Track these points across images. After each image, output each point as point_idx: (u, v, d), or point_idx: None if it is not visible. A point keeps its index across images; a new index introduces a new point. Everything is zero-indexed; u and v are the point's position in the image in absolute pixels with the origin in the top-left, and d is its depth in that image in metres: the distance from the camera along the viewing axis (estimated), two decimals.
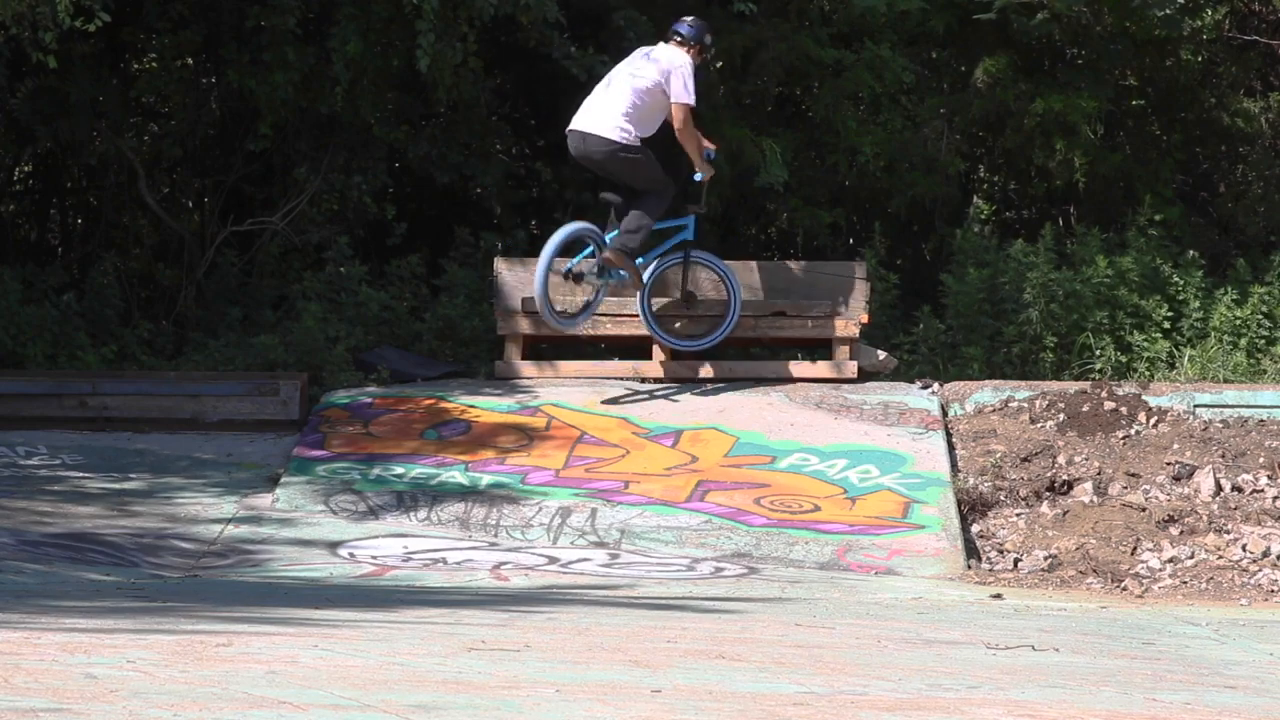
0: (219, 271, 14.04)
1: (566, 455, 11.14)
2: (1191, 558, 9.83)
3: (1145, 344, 12.96)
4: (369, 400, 11.96)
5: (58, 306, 13.15)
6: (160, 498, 10.61)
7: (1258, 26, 15.67)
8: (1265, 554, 9.80)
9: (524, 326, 12.45)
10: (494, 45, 14.33)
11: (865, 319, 12.49)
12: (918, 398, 11.93)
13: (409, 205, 14.90)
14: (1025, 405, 11.84)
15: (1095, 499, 10.61)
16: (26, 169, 15.71)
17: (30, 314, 12.98)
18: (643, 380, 12.24)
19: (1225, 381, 12.50)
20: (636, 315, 12.27)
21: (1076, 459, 11.15)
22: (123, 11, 13.46)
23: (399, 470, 10.98)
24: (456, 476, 10.89)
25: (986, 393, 12.05)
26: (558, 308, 11.67)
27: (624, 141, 11.38)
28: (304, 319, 12.92)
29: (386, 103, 14.12)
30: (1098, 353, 12.91)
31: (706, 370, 12.34)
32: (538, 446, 11.25)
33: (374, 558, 9.63)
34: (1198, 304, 13.17)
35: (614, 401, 11.80)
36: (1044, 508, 10.57)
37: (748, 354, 13.21)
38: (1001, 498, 10.72)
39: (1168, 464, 10.99)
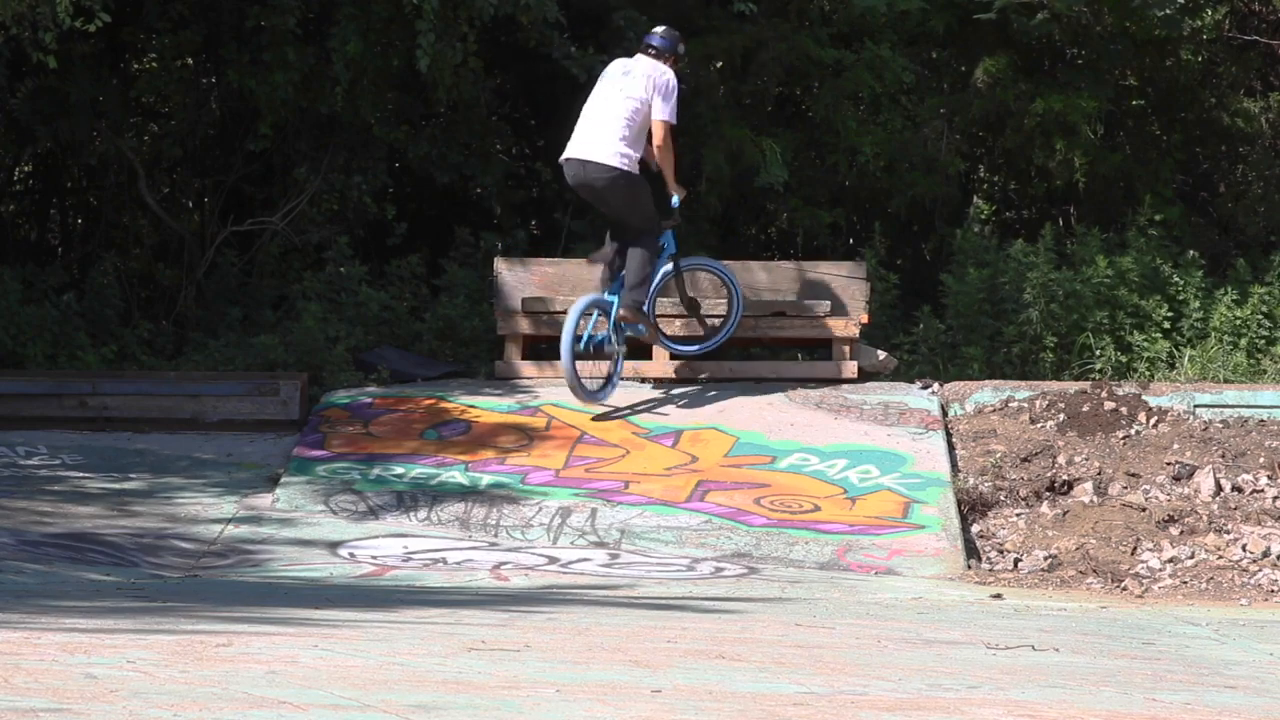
0: (219, 271, 14.04)
1: (566, 455, 11.14)
2: (1191, 558, 9.83)
3: (1145, 344, 12.96)
4: (369, 400, 11.96)
5: (58, 306, 13.15)
6: (160, 498, 10.61)
7: (1258, 26, 15.68)
8: (1265, 554, 9.80)
9: (524, 326, 12.45)
10: (494, 45, 14.33)
11: (865, 319, 12.49)
12: (918, 398, 11.93)
13: (409, 205, 14.90)
14: (1025, 405, 11.84)
15: (1095, 499, 10.61)
16: (26, 169, 15.71)
17: (30, 314, 12.98)
18: (643, 380, 12.24)
19: (1225, 381, 12.50)
20: None
21: (1076, 459, 11.15)
22: (123, 11, 13.46)
23: (399, 470, 10.98)
24: (456, 476, 10.88)
25: (986, 393, 12.05)
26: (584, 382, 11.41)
27: (625, 168, 11.20)
28: (304, 319, 12.92)
29: (386, 103, 14.13)
30: (1098, 353, 12.91)
31: (706, 370, 12.34)
32: (538, 446, 11.26)
33: (374, 558, 9.63)
34: (1198, 304, 13.18)
35: (614, 401, 11.79)
36: (1044, 508, 10.57)
37: (748, 354, 13.21)
38: (1001, 498, 10.72)
39: (1168, 464, 10.99)
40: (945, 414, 11.82)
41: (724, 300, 12.24)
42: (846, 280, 12.63)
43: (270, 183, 14.50)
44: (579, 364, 11.24)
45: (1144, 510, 10.35)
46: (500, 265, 12.71)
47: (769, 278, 12.79)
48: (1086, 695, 5.40)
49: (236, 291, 13.98)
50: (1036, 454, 11.24)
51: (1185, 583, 9.53)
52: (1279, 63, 15.68)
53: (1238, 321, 13.08)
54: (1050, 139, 14.45)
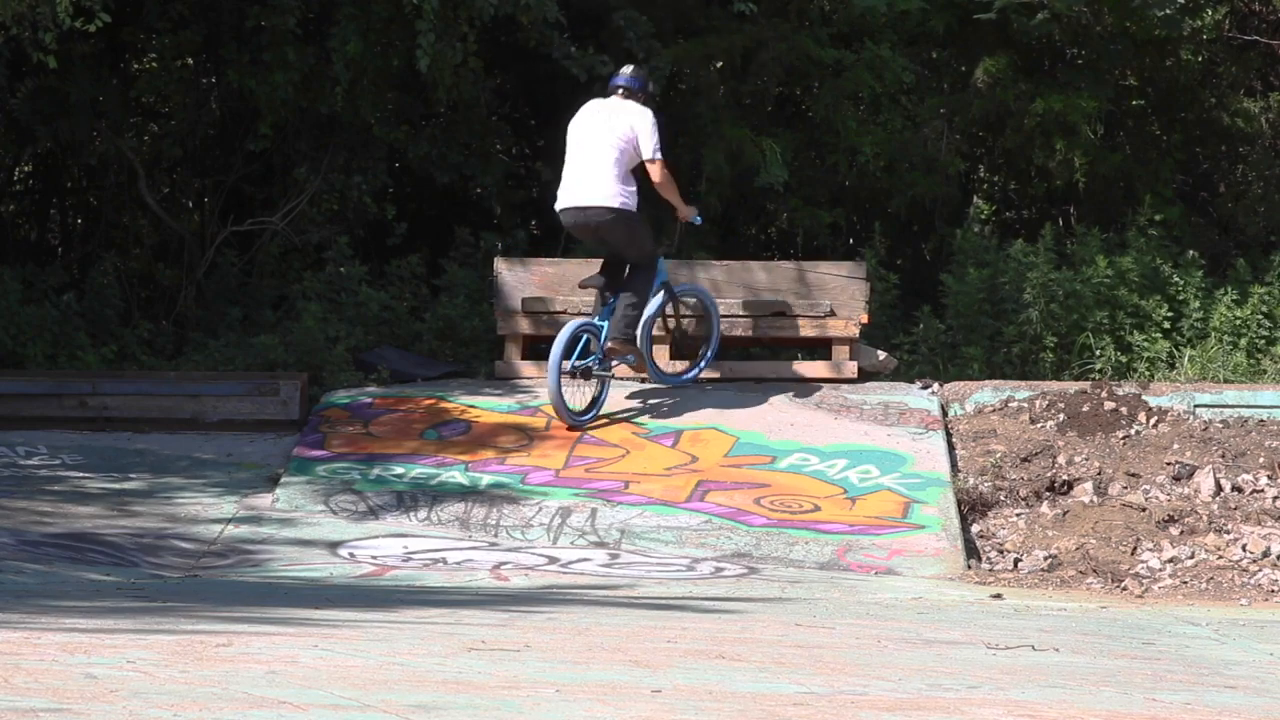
0: (219, 271, 14.05)
1: (566, 455, 11.15)
2: (1191, 558, 9.83)
3: (1145, 344, 12.96)
4: (369, 400, 11.96)
5: (58, 306, 13.16)
6: (160, 498, 10.61)
7: (1258, 26, 15.68)
8: (1265, 554, 9.80)
9: (524, 326, 12.46)
10: (494, 45, 14.33)
11: (865, 319, 12.49)
12: (918, 398, 11.93)
13: (409, 205, 14.91)
14: (1025, 405, 11.84)
15: (1095, 499, 10.61)
16: (26, 169, 15.71)
17: (30, 314, 12.98)
18: (643, 380, 12.23)
19: (1225, 381, 12.50)
20: None
21: (1076, 459, 11.15)
22: (123, 11, 13.46)
23: (399, 470, 10.98)
24: (456, 476, 10.88)
25: (986, 393, 12.05)
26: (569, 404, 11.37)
27: (623, 207, 11.21)
28: (304, 319, 12.92)
29: (386, 103, 14.13)
30: (1098, 353, 12.91)
31: (707, 370, 12.34)
32: (538, 446, 11.25)
33: (374, 558, 9.63)
34: (1198, 304, 13.18)
35: (613, 401, 11.79)
36: (1044, 508, 10.57)
37: (748, 354, 13.21)
38: (1001, 498, 10.72)
39: (1168, 464, 10.99)
40: (945, 414, 11.82)
41: (705, 324, 12.16)
42: (846, 280, 12.63)
43: (270, 183, 14.51)
44: (565, 387, 11.23)
45: (1144, 510, 10.35)
46: (500, 265, 12.71)
47: (769, 278, 12.79)
48: (1086, 695, 5.40)
49: (236, 291, 13.98)
50: (1036, 454, 11.24)
51: (1185, 583, 9.53)
52: (1279, 63, 15.68)
53: (1238, 321, 13.08)
54: (1050, 139, 14.45)
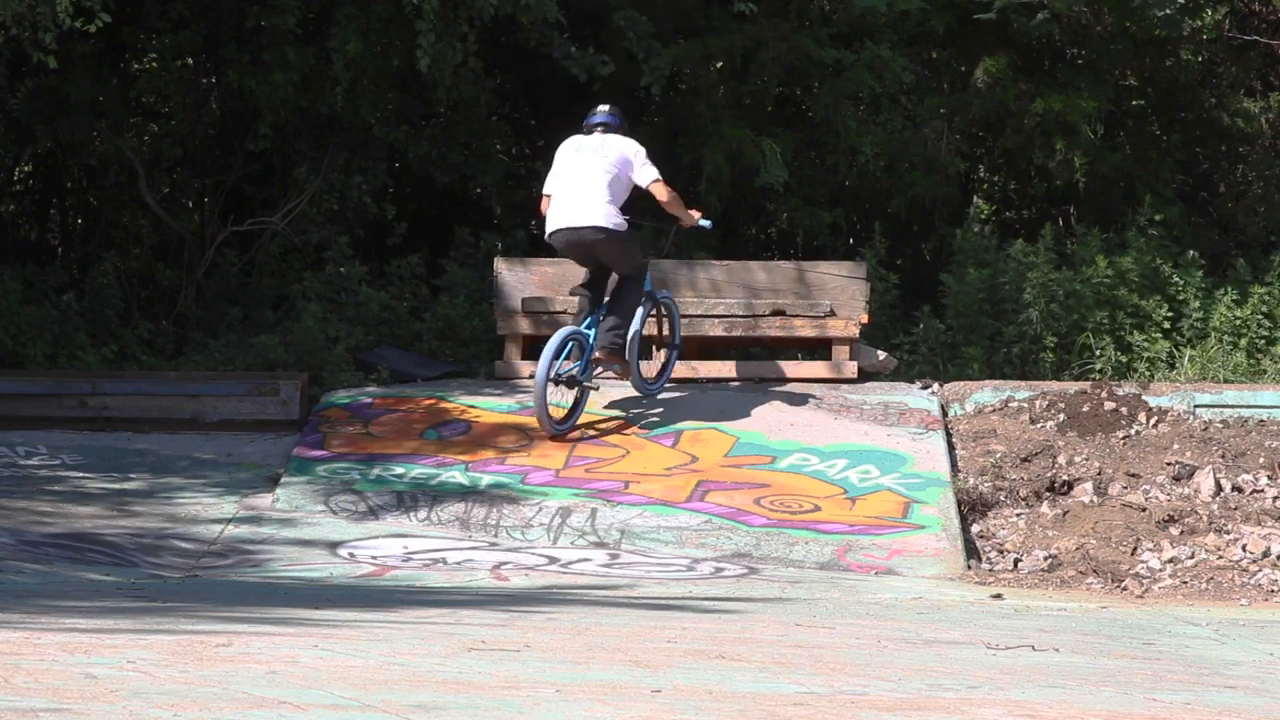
0: (219, 271, 14.05)
1: (566, 455, 11.15)
2: (1191, 558, 9.83)
3: (1145, 344, 12.96)
4: (369, 400, 11.96)
5: (58, 306, 13.16)
6: (160, 498, 10.61)
7: (1258, 26, 15.68)
8: (1265, 554, 9.80)
9: (524, 326, 12.46)
10: (494, 45, 14.34)
11: (865, 319, 12.49)
12: (918, 398, 11.93)
13: (409, 205, 14.91)
14: (1025, 405, 11.84)
15: (1095, 499, 10.61)
16: (26, 169, 15.71)
17: (30, 314, 12.98)
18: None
19: (1225, 381, 12.50)
20: None
21: (1076, 459, 11.15)
22: (123, 11, 13.46)
23: (399, 470, 10.98)
24: (456, 476, 10.88)
25: (986, 393, 12.05)
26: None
27: (615, 228, 11.18)
28: (304, 319, 12.92)
29: (386, 103, 14.13)
30: (1098, 353, 12.91)
31: (706, 370, 12.34)
32: (538, 446, 11.25)
33: (374, 558, 9.63)
34: (1198, 304, 13.18)
35: (614, 401, 11.80)
36: (1044, 508, 10.57)
37: (748, 354, 13.21)
38: (1001, 498, 10.72)
39: (1168, 464, 10.99)
40: (945, 414, 11.82)
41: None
42: (846, 280, 12.63)
43: (270, 183, 14.51)
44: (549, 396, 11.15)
45: (1144, 510, 10.35)
46: (500, 265, 12.71)
47: (769, 278, 12.79)
48: (1086, 695, 5.40)
49: (236, 291, 13.98)
50: (1036, 454, 11.24)
51: (1185, 583, 9.53)
52: (1279, 63, 15.68)
53: (1238, 321, 13.08)
54: (1050, 139, 14.46)
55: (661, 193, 11.35)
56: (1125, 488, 10.73)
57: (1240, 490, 10.73)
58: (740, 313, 12.48)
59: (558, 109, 12.88)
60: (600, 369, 11.38)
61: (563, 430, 11.24)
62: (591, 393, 11.50)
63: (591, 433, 11.44)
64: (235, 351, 12.92)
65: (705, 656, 6.13)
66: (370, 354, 12.79)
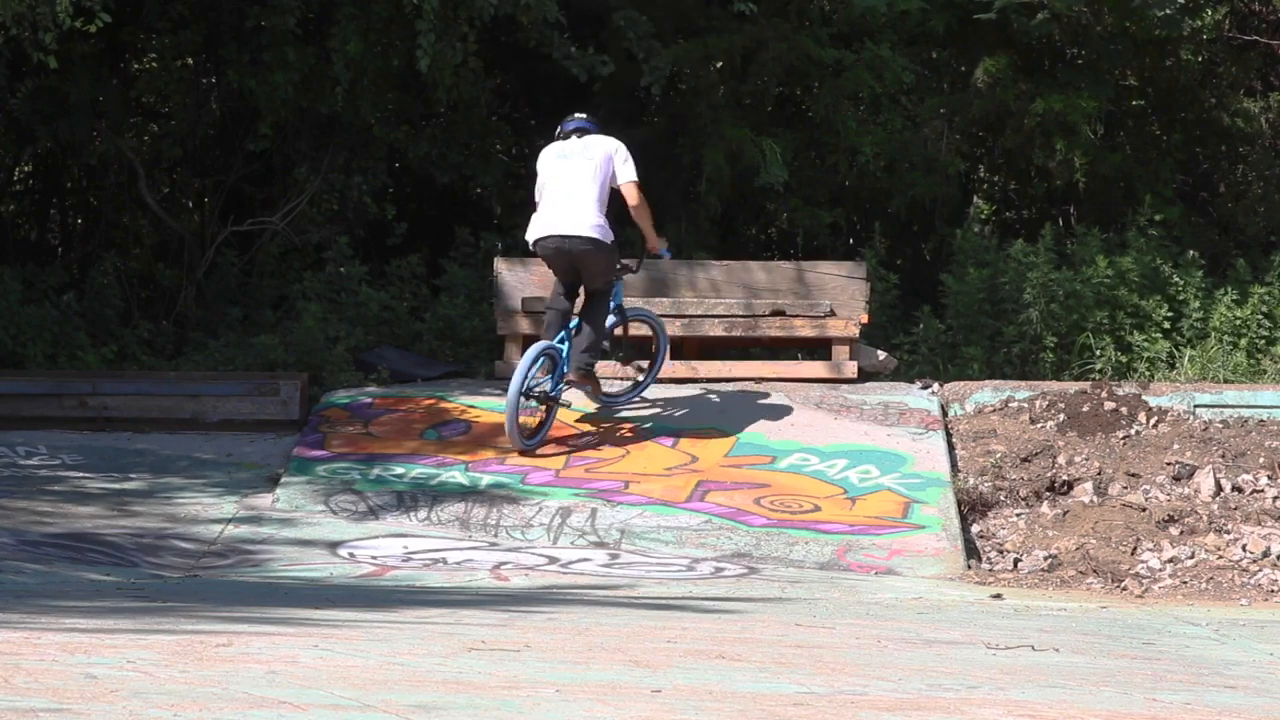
0: (219, 271, 14.05)
1: (566, 455, 11.15)
2: (1191, 558, 9.83)
3: (1145, 344, 12.97)
4: (369, 400, 11.96)
5: (58, 306, 13.16)
6: (160, 498, 10.61)
7: (1258, 26, 15.69)
8: (1265, 554, 9.80)
9: (524, 326, 12.45)
10: (494, 45, 14.34)
11: (865, 319, 12.49)
12: (918, 398, 11.93)
13: (409, 205, 14.91)
14: (1025, 405, 11.84)
15: (1095, 499, 10.61)
16: (26, 169, 15.72)
17: (30, 314, 12.98)
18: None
19: (1225, 381, 12.50)
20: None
21: (1076, 459, 11.15)
22: (123, 11, 13.46)
23: (399, 470, 10.98)
24: (456, 476, 10.88)
25: (986, 393, 12.05)
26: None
27: (603, 238, 11.04)
28: (304, 319, 12.92)
29: (386, 103, 14.13)
30: (1098, 353, 12.91)
31: (706, 370, 12.34)
32: (538, 446, 11.24)
33: (374, 558, 9.63)
34: (1198, 304, 13.18)
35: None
36: (1044, 508, 10.57)
37: (747, 354, 13.21)
38: (1001, 498, 10.72)
39: (1168, 464, 10.99)
40: (945, 414, 11.82)
41: (651, 349, 11.91)
42: (846, 280, 12.63)
43: (270, 183, 14.51)
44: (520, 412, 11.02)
45: (1144, 510, 10.35)
46: (500, 265, 12.71)
47: (769, 278, 12.79)
48: (1086, 695, 5.41)
49: (236, 291, 13.98)
50: (1036, 454, 11.24)
51: (1185, 583, 9.53)
52: (1279, 63, 15.68)
53: (1238, 321, 13.09)
54: (1050, 139, 14.46)
55: (633, 195, 11.17)
56: (1125, 488, 10.73)
57: (1240, 490, 10.73)
58: (740, 313, 12.48)
59: (558, 109, 12.85)
60: (566, 387, 11.23)
61: (532, 446, 11.05)
62: (558, 407, 11.36)
63: (591, 433, 11.44)
64: (235, 351, 12.92)
65: (705, 656, 6.13)
66: (370, 354, 12.79)
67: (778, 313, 12.46)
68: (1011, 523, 10.48)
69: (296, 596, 8.10)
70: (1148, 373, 12.82)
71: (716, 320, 12.47)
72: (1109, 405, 11.69)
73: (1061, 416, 11.67)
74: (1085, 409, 11.68)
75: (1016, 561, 9.97)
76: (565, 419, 11.58)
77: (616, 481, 10.78)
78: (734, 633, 7.02)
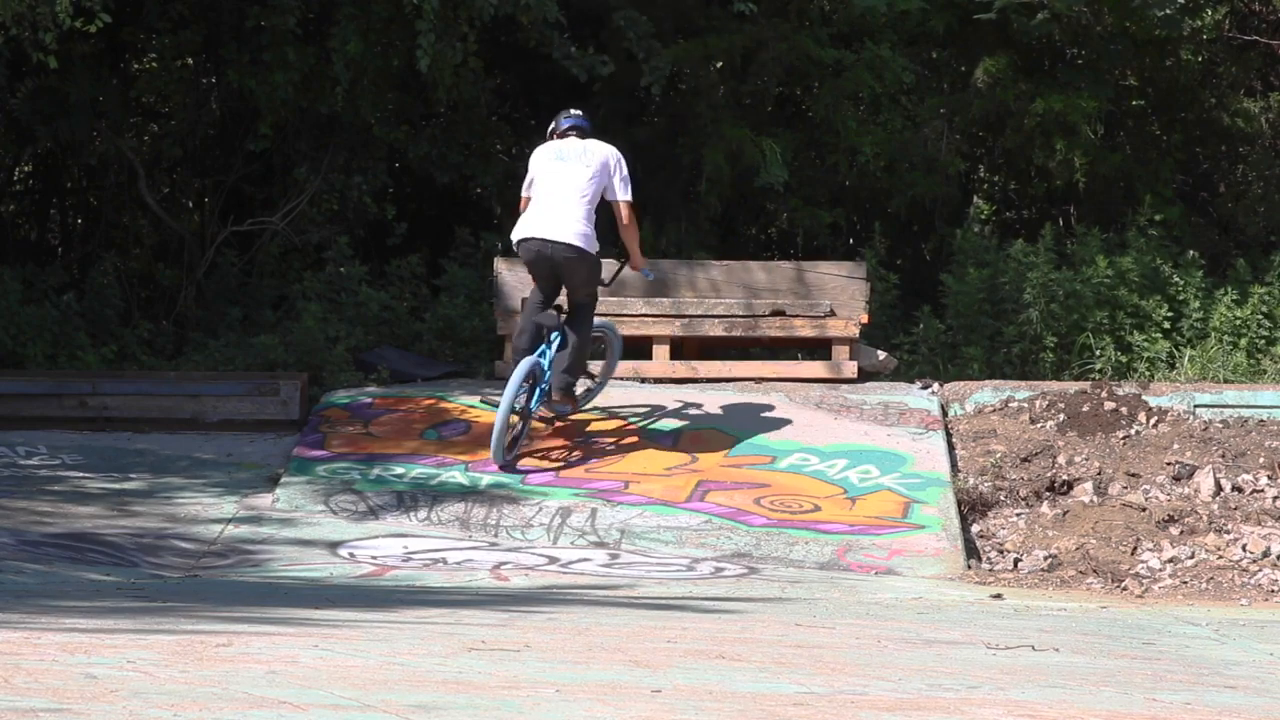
0: (219, 271, 14.05)
1: (566, 455, 11.15)
2: (1191, 558, 9.83)
3: (1145, 344, 12.96)
4: (369, 400, 11.96)
5: (58, 306, 13.15)
6: (160, 498, 10.61)
7: (1258, 26, 15.68)
8: (1265, 554, 9.80)
9: None
10: (494, 45, 14.34)
11: (865, 319, 12.50)
12: (918, 398, 11.93)
13: (409, 205, 14.91)
14: (1025, 405, 11.84)
15: (1095, 499, 10.61)
16: (26, 169, 15.71)
17: (30, 314, 12.98)
18: (642, 380, 12.24)
19: (1225, 381, 12.50)
20: (634, 316, 12.31)
21: (1076, 459, 11.15)
22: (123, 11, 13.46)
23: (399, 470, 10.98)
24: (456, 476, 10.88)
25: (986, 393, 12.05)
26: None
27: (586, 248, 10.84)
28: (304, 319, 12.92)
29: (386, 103, 14.13)
30: (1098, 353, 12.91)
31: (706, 370, 12.34)
32: (538, 446, 11.24)
33: (374, 558, 9.63)
34: (1198, 304, 13.18)
35: (614, 402, 11.79)
36: (1044, 508, 10.57)
37: (747, 354, 13.21)
38: (1001, 498, 10.72)
39: (1168, 464, 10.99)
40: (945, 414, 11.82)
41: (601, 360, 11.81)
42: (846, 280, 12.63)
43: (270, 183, 14.51)
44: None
45: (1144, 510, 10.35)
46: (500, 265, 12.71)
47: (769, 278, 12.80)
48: (1086, 695, 5.41)
49: (236, 291, 13.98)
50: (1036, 454, 11.24)
51: (1185, 583, 9.53)
52: (1279, 63, 15.68)
53: (1238, 321, 13.09)
54: (1050, 139, 14.46)
55: (625, 214, 10.97)
56: (1125, 488, 10.73)
57: (1240, 490, 10.73)
58: (740, 313, 12.48)
59: (558, 109, 12.83)
60: (545, 403, 11.13)
61: (510, 462, 10.97)
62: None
63: (592, 433, 11.44)
64: (235, 351, 12.92)
65: (705, 656, 6.14)
66: (370, 354, 12.79)
67: (778, 313, 12.46)
68: (1011, 523, 10.48)
69: (296, 596, 8.10)
70: (1148, 373, 12.82)
71: (716, 320, 12.48)
72: (1109, 405, 11.70)
73: (1061, 416, 11.67)
74: (1085, 409, 11.68)
75: (1016, 561, 9.97)
76: (566, 419, 11.58)
77: (616, 481, 10.78)
78: (734, 633, 7.02)
